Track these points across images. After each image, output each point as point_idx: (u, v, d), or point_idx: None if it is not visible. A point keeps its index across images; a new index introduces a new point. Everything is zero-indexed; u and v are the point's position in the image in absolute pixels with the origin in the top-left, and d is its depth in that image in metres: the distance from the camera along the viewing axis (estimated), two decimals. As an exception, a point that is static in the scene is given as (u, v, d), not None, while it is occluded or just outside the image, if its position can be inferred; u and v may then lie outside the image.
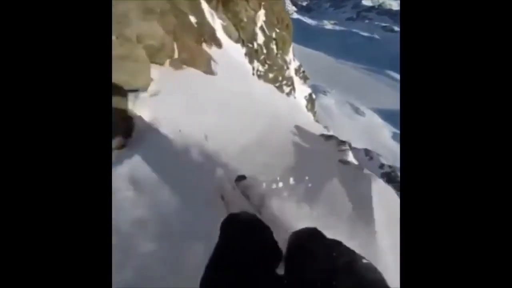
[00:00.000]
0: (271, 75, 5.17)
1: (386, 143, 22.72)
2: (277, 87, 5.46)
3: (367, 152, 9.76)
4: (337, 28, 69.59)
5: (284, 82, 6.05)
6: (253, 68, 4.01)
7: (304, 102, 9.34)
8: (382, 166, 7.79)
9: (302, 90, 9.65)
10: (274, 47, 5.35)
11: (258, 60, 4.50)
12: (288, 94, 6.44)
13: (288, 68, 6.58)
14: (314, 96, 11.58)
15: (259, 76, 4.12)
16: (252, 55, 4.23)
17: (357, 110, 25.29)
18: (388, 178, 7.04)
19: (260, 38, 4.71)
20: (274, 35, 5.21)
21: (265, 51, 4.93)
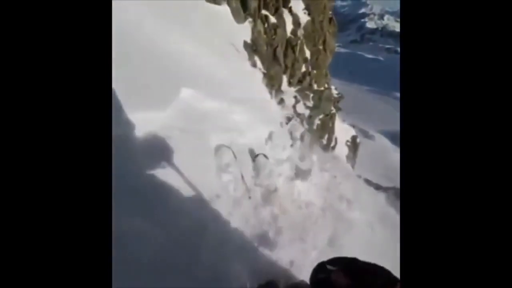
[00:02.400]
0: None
1: (399, 168, 22.18)
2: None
3: (396, 192, 9.07)
4: (342, 50, 72.42)
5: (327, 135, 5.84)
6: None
7: (345, 151, 8.94)
8: None
9: (342, 131, 9.28)
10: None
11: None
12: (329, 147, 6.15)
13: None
14: (359, 139, 11.17)
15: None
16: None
17: (366, 134, 25.01)
18: None
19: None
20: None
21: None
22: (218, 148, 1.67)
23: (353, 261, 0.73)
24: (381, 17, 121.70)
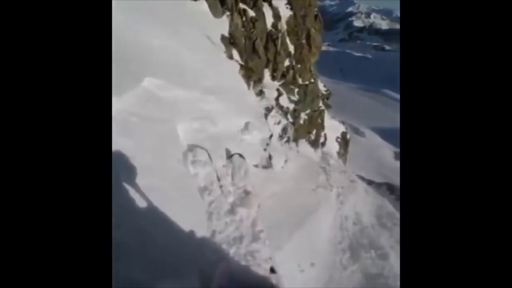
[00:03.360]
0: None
1: (390, 164, 22.59)
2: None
3: (389, 187, 9.15)
4: (331, 49, 73.43)
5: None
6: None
7: (335, 147, 8.99)
8: None
9: (332, 128, 9.36)
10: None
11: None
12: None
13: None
14: (348, 136, 11.27)
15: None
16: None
17: (356, 131, 25.39)
18: None
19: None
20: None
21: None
22: (191, 148, 1.63)
23: None
24: (368, 15, 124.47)
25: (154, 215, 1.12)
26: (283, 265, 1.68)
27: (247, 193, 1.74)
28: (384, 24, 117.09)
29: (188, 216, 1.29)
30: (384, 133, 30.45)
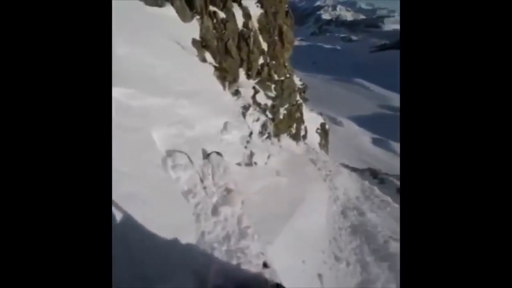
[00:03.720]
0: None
1: (369, 149, 23.64)
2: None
3: (372, 172, 9.56)
4: (304, 44, 74.81)
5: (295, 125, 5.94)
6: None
7: (316, 139, 9.11)
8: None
9: (312, 120, 9.48)
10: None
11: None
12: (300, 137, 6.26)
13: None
14: (327, 126, 11.51)
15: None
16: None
17: (334, 121, 26.22)
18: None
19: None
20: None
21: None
22: (170, 154, 1.60)
23: None
24: (334, 8, 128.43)
25: (139, 223, 1.10)
26: (277, 258, 1.71)
27: (228, 191, 1.73)
28: (349, 16, 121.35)
29: (175, 220, 1.28)
30: (360, 121, 31.82)
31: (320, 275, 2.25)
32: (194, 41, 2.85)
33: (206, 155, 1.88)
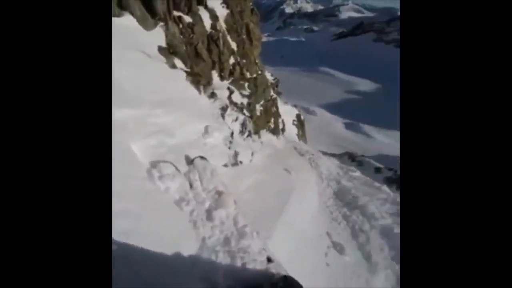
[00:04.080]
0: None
1: (343, 134, 24.80)
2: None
3: (350, 155, 10.10)
4: (271, 38, 75.30)
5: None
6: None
7: (294, 130, 9.27)
8: (378, 169, 8.07)
9: (287, 113, 9.60)
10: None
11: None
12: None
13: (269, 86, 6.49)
14: (302, 117, 11.76)
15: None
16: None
17: (308, 110, 27.03)
18: (389, 180, 7.25)
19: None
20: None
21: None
22: (154, 165, 1.56)
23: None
24: (295, 1, 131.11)
25: (136, 240, 1.09)
26: (279, 251, 1.76)
27: (219, 193, 1.73)
28: (309, 7, 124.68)
29: (173, 231, 1.27)
30: (331, 108, 33.21)
31: (328, 233, 2.48)
32: (160, 49, 2.77)
33: (190, 161, 1.85)
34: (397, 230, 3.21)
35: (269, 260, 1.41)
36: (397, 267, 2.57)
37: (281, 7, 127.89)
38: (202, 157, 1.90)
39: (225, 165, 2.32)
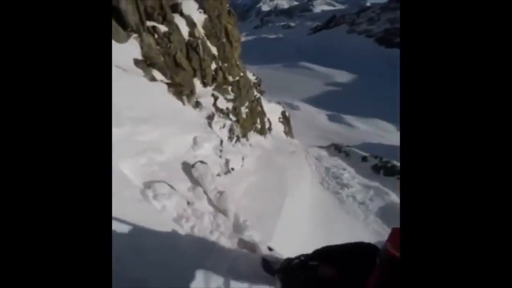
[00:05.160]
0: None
1: (327, 126, 25.28)
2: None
3: (336, 147, 10.28)
4: (250, 38, 74.96)
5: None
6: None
7: (281, 127, 9.27)
8: (365, 158, 8.28)
9: (272, 111, 9.59)
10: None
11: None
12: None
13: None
14: (287, 113, 11.82)
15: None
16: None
17: (291, 106, 27.27)
18: (376, 167, 7.47)
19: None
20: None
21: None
22: (148, 185, 1.52)
23: (330, 250, 0.73)
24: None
25: (144, 261, 1.05)
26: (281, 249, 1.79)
27: (221, 192, 1.83)
28: (285, 4, 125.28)
29: (177, 247, 1.25)
30: (313, 101, 33.74)
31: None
32: (136, 61, 2.66)
33: (192, 166, 1.91)
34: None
35: (270, 249, 1.46)
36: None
37: (258, 5, 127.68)
38: (202, 162, 1.95)
39: (218, 175, 2.29)
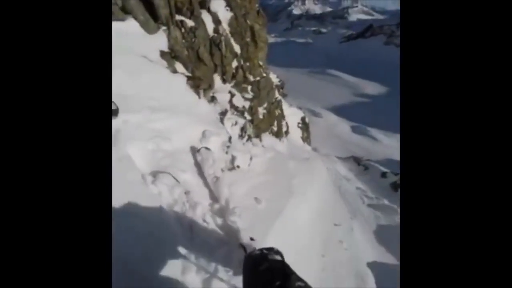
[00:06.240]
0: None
1: (349, 137, 24.47)
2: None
3: (356, 159, 9.95)
4: (279, 40, 75.32)
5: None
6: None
7: (298, 133, 9.29)
8: (384, 174, 7.92)
9: (292, 115, 9.63)
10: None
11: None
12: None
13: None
14: (307, 119, 11.83)
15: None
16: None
17: (313, 113, 26.78)
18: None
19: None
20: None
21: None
22: (154, 174, 1.61)
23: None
24: (303, 2, 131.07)
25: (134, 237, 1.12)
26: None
27: (217, 178, 1.95)
28: (317, 9, 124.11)
29: (168, 232, 1.30)
30: (337, 110, 32.89)
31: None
32: (162, 53, 2.80)
33: (197, 150, 2.05)
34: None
35: (251, 239, 1.53)
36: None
37: (289, 8, 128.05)
38: (207, 148, 2.10)
39: (222, 170, 2.33)
